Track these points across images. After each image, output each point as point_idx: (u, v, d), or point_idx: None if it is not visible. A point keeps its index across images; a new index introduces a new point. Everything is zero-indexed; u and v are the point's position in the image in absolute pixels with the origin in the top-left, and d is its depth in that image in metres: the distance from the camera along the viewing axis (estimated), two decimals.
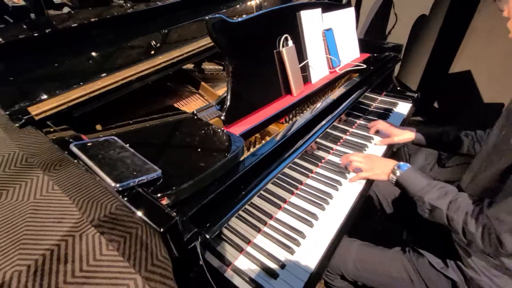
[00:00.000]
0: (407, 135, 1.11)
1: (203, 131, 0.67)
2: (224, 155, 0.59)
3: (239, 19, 0.75)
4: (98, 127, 0.81)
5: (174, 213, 0.44)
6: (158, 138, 0.64)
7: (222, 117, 0.73)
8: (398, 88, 1.58)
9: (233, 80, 0.74)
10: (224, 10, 1.49)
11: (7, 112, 0.63)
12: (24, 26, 0.90)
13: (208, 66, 1.53)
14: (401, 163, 0.85)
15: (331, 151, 1.10)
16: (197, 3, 1.42)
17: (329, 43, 1.13)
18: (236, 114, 0.77)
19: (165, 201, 0.48)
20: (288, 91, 0.95)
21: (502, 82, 2.01)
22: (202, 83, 1.17)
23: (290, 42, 0.92)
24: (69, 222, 1.82)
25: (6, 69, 0.73)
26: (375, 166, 0.89)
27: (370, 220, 1.41)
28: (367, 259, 0.89)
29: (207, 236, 0.50)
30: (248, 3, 1.63)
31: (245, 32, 0.78)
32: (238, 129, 0.75)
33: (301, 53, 1.00)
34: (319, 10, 1.07)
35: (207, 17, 0.66)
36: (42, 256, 1.59)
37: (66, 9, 5.55)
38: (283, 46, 0.90)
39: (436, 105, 2.59)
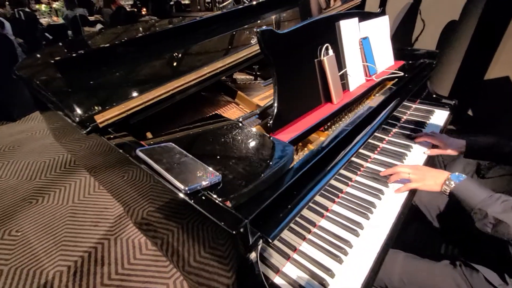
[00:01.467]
0: (459, 147, 1.06)
1: (253, 138, 0.69)
2: (277, 161, 0.60)
3: (285, 30, 0.78)
4: (148, 134, 0.86)
5: (243, 216, 0.46)
6: (211, 144, 0.67)
7: (269, 124, 0.75)
8: (434, 95, 1.53)
9: (280, 88, 0.76)
10: (246, 26, 1.54)
11: (77, 120, 0.68)
12: (77, 44, 0.98)
13: (239, 76, 1.58)
14: (456, 173, 0.81)
15: (369, 160, 1.08)
16: (225, 18, 1.48)
17: (366, 51, 1.13)
18: (282, 121, 0.79)
19: (228, 204, 0.50)
20: (328, 99, 0.96)
21: None
22: (239, 92, 1.21)
23: (331, 51, 0.93)
24: (104, 226, 1.90)
25: (72, 83, 0.79)
26: (427, 177, 0.86)
27: (408, 229, 1.36)
28: (414, 272, 0.86)
29: (269, 240, 0.51)
30: (268, 18, 1.67)
31: (290, 42, 0.80)
32: (284, 136, 0.76)
33: (339, 61, 1.01)
34: (356, 19, 1.08)
35: (257, 29, 0.70)
36: (81, 258, 1.67)
37: (98, 26, 5.96)
38: (323, 55, 0.91)
39: (470, 113, 2.48)
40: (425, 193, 1.11)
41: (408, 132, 1.27)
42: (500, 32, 2.16)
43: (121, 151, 0.64)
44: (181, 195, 0.50)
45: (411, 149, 1.16)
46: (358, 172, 1.01)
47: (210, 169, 0.56)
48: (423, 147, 1.16)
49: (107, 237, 1.81)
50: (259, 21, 1.66)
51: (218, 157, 0.62)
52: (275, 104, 0.75)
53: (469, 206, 0.76)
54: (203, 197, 0.49)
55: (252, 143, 0.67)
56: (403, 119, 1.39)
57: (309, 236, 0.78)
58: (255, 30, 0.72)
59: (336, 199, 0.90)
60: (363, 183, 0.98)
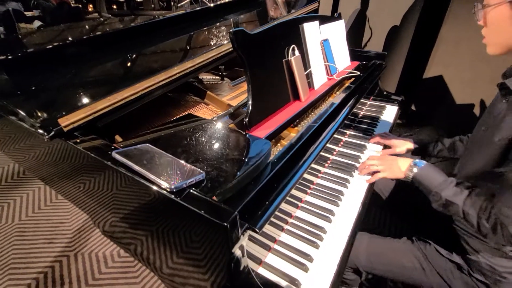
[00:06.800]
0: (407, 146, 1.17)
1: (231, 136, 0.71)
2: (257, 156, 0.63)
3: (255, 31, 0.81)
4: (118, 137, 0.82)
5: (232, 209, 0.47)
6: (189, 144, 0.67)
7: (245, 122, 0.78)
8: (385, 93, 1.71)
9: (253, 87, 0.79)
10: (214, 26, 1.54)
11: (39, 125, 0.63)
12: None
13: (205, 77, 1.57)
14: (417, 160, 0.89)
15: (334, 152, 1.17)
16: (187, 18, 1.47)
17: (327, 52, 1.22)
18: (256, 119, 0.82)
19: (215, 199, 0.51)
20: (296, 97, 1.01)
21: (472, 86, 2.24)
22: (208, 92, 1.21)
23: (297, 52, 0.99)
24: (61, 242, 1.73)
25: (31, 82, 0.72)
26: (393, 165, 0.93)
27: (369, 212, 1.50)
28: (379, 252, 0.95)
29: (257, 230, 0.53)
30: (228, 19, 1.69)
31: (260, 42, 0.84)
32: (259, 133, 0.79)
33: (304, 62, 1.08)
34: (317, 22, 1.16)
35: (230, 30, 0.71)
36: (35, 280, 1.50)
37: (37, 22, 5.36)
38: (291, 56, 0.96)
39: (413, 107, 2.80)
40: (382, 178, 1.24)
41: (366, 126, 1.40)
42: (433, 36, 2.48)
43: (93, 155, 0.60)
44: (167, 194, 0.49)
45: (371, 142, 1.28)
46: (326, 165, 1.09)
47: (193, 167, 0.56)
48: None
49: (65, 254, 1.65)
50: (221, 22, 1.67)
51: (199, 156, 0.63)
52: (250, 102, 0.78)
53: (427, 189, 0.84)
54: (190, 194, 0.50)
55: (231, 141, 0.69)
56: (360, 115, 1.52)
57: (287, 227, 0.82)
58: (230, 31, 0.73)
59: (309, 190, 0.96)
60: (331, 174, 1.06)
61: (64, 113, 0.66)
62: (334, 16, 1.38)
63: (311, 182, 0.99)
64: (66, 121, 0.65)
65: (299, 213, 0.88)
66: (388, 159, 0.97)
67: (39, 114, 0.68)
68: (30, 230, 1.81)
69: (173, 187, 0.49)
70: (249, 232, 0.53)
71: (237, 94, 1.32)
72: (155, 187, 0.51)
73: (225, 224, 0.44)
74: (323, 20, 1.25)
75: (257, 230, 0.53)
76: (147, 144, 0.63)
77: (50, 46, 0.91)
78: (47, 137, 0.63)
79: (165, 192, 0.50)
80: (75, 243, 1.73)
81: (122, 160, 0.55)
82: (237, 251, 0.53)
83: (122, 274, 1.52)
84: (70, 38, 1.04)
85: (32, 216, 1.91)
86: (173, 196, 0.49)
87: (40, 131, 0.63)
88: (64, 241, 1.74)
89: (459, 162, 0.98)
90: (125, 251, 1.59)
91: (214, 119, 0.82)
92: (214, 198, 0.51)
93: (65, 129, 0.65)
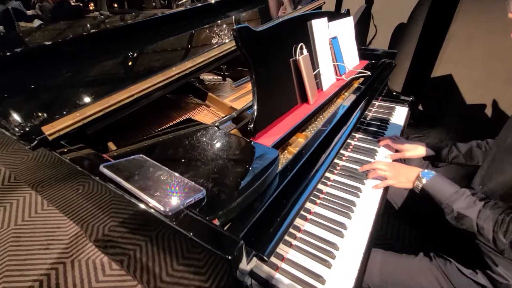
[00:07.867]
0: (419, 151, 1.09)
1: (235, 144, 0.64)
2: (264, 167, 0.56)
3: (261, 28, 0.74)
4: (111, 145, 0.75)
5: (237, 237, 0.40)
6: (189, 154, 0.60)
7: (250, 128, 0.71)
8: (394, 93, 1.63)
9: (259, 89, 0.72)
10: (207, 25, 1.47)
11: (19, 134, 0.56)
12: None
13: (207, 77, 1.50)
14: (426, 170, 0.84)
15: (343, 158, 1.10)
16: (187, 15, 1.39)
17: (336, 51, 1.14)
18: (262, 124, 0.75)
19: (216, 223, 0.44)
20: (304, 99, 0.94)
21: (483, 86, 2.15)
22: (210, 94, 1.14)
23: (305, 51, 0.91)
24: (57, 249, 1.67)
25: (8, 87, 0.66)
26: (400, 174, 0.88)
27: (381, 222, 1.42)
28: (394, 271, 0.87)
29: (265, 259, 0.46)
30: (229, 17, 1.63)
31: (266, 40, 0.77)
32: (265, 140, 0.72)
33: (312, 61, 1.00)
34: (325, 19, 1.08)
35: (234, 27, 0.64)
36: None
37: (37, 21, 5.29)
38: (298, 55, 0.89)
39: (420, 107, 2.72)
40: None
41: (376, 129, 1.32)
42: (442, 34, 2.39)
43: (79, 168, 0.53)
44: (161, 217, 0.42)
45: (381, 146, 1.20)
46: (335, 171, 1.02)
47: (191, 182, 0.49)
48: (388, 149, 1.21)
49: (61, 261, 1.59)
50: (223, 20, 1.60)
51: (198, 168, 0.56)
52: (255, 107, 0.71)
53: (438, 201, 0.80)
54: (187, 218, 0.43)
55: (235, 150, 0.62)
56: (369, 116, 1.45)
57: (295, 242, 0.75)
58: (232, 28, 0.66)
59: (318, 201, 0.89)
60: (341, 182, 0.98)
61: (49, 119, 0.59)
62: (342, 13, 1.30)
63: (320, 191, 0.92)
64: (51, 129, 0.58)
65: (308, 226, 0.81)
66: (396, 167, 0.91)
67: (22, 120, 0.61)
68: (26, 235, 1.75)
69: (168, 209, 0.42)
70: (256, 259, 0.46)
71: (239, 96, 1.25)
72: (147, 208, 0.44)
73: (229, 257, 0.37)
74: (331, 16, 1.18)
75: (266, 259, 0.46)
76: (141, 155, 0.56)
77: (40, 46, 0.84)
78: (28, 147, 0.56)
79: (159, 215, 0.43)
80: (72, 249, 1.67)
81: (111, 176, 0.48)
82: (245, 279, 0.46)
83: (120, 283, 1.46)
84: (64, 37, 0.97)
85: (28, 220, 1.85)
86: (167, 220, 0.42)
87: (22, 140, 0.56)
88: (61, 247, 1.68)
89: (484, 173, 0.90)
90: (117, 263, 1.54)
91: (216, 124, 0.75)
92: (216, 221, 0.44)
93: (50, 138, 0.58)
